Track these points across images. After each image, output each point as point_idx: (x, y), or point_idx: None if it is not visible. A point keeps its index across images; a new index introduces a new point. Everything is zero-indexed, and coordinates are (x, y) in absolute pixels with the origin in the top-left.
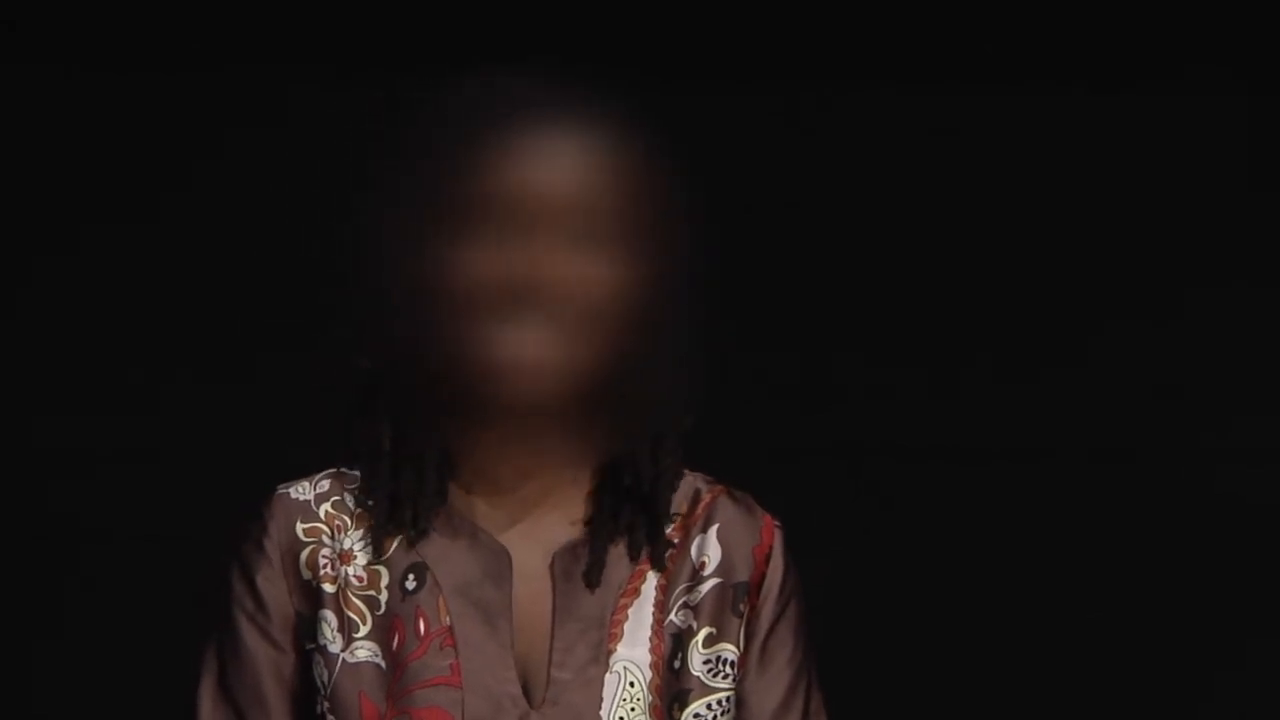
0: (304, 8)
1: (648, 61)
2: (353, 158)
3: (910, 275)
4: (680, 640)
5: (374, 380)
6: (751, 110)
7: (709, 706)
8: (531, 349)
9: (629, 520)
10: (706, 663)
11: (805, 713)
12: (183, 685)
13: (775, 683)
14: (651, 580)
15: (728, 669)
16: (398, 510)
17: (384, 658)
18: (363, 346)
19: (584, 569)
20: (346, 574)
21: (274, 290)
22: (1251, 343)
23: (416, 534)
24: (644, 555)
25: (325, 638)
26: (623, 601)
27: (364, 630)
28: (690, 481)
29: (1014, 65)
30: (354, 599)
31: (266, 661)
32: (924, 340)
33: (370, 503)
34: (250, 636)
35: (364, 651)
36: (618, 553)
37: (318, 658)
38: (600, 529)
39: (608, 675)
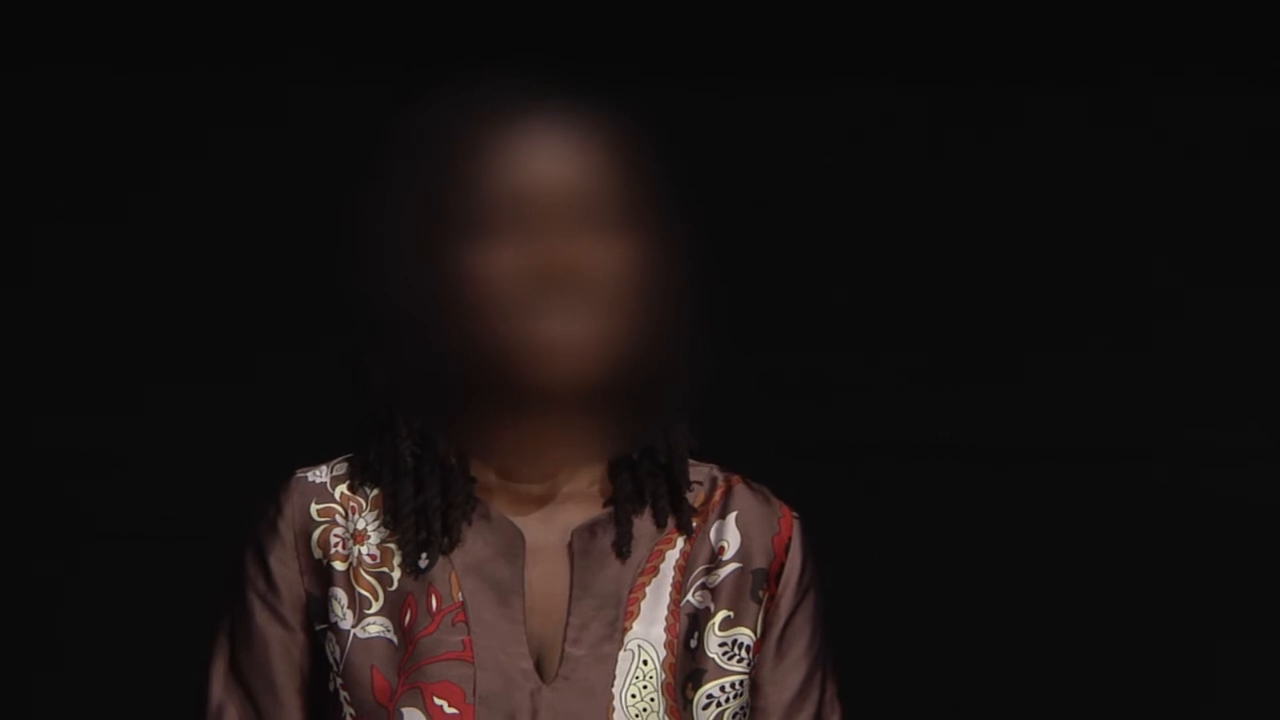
0: (304, 7)
1: (648, 61)
2: (356, 162)
3: (911, 275)
4: (697, 620)
5: (388, 398)
6: (752, 110)
7: (722, 689)
8: (566, 331)
9: (652, 490)
10: (722, 645)
11: (820, 703)
12: (184, 684)
13: (792, 672)
14: (670, 560)
15: (743, 653)
16: (425, 523)
17: (396, 633)
18: (379, 360)
19: (609, 543)
20: (359, 553)
21: (275, 290)
22: (1251, 343)
23: (449, 544)
24: (670, 525)
25: (336, 615)
26: (640, 580)
27: (375, 606)
28: (706, 470)
29: (1014, 65)
30: (365, 576)
31: (277, 643)
32: (924, 340)
33: (393, 519)
34: (261, 617)
35: (376, 627)
36: (639, 529)
37: (330, 636)
38: (624, 502)
39: (621, 653)
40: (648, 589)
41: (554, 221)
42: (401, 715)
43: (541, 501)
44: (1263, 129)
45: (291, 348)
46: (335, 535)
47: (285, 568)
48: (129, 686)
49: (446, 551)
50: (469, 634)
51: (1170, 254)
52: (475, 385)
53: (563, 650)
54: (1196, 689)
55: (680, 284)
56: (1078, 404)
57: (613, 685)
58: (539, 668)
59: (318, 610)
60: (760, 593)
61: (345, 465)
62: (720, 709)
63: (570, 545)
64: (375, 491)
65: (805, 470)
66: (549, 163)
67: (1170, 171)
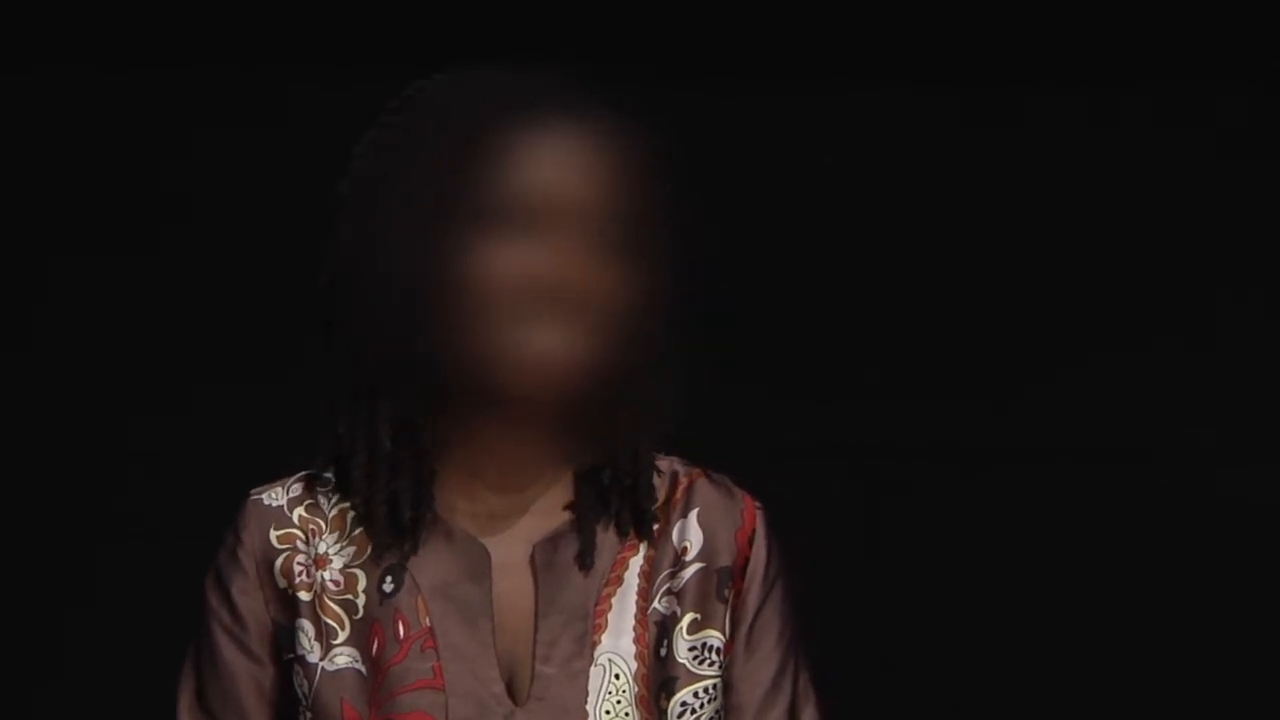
0: (304, 7)
1: (648, 61)
2: (356, 156)
3: (910, 275)
4: (665, 627)
5: (374, 382)
6: (752, 110)
7: (695, 695)
8: (548, 344)
9: (615, 503)
10: (692, 650)
11: (794, 694)
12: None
13: (763, 666)
14: (634, 568)
15: (713, 656)
16: (396, 515)
17: (364, 663)
18: (366, 346)
19: (572, 556)
20: (322, 579)
21: (275, 290)
22: (1252, 343)
23: (411, 547)
24: (630, 535)
25: (303, 647)
26: (605, 591)
27: (342, 636)
28: (666, 466)
29: (1014, 65)
30: (331, 605)
31: (245, 675)
32: (924, 340)
33: (359, 506)
34: (228, 650)
35: (343, 658)
36: (600, 541)
37: (297, 668)
38: (586, 514)
39: (593, 668)
40: (613, 600)
41: (564, 232)
42: None
43: (503, 515)
44: (1264, 129)
45: (290, 347)
46: (298, 563)
47: (249, 599)
48: (129, 687)
49: (408, 557)
50: (438, 660)
51: (1170, 254)
52: (448, 379)
53: (533, 669)
54: (1197, 689)
55: (668, 310)
56: (1078, 404)
57: (586, 702)
58: (510, 688)
59: (285, 640)
60: (726, 592)
61: (301, 484)
62: (695, 715)
63: (532, 559)
64: (334, 511)
65: (805, 470)
66: (575, 173)
67: (1170, 172)
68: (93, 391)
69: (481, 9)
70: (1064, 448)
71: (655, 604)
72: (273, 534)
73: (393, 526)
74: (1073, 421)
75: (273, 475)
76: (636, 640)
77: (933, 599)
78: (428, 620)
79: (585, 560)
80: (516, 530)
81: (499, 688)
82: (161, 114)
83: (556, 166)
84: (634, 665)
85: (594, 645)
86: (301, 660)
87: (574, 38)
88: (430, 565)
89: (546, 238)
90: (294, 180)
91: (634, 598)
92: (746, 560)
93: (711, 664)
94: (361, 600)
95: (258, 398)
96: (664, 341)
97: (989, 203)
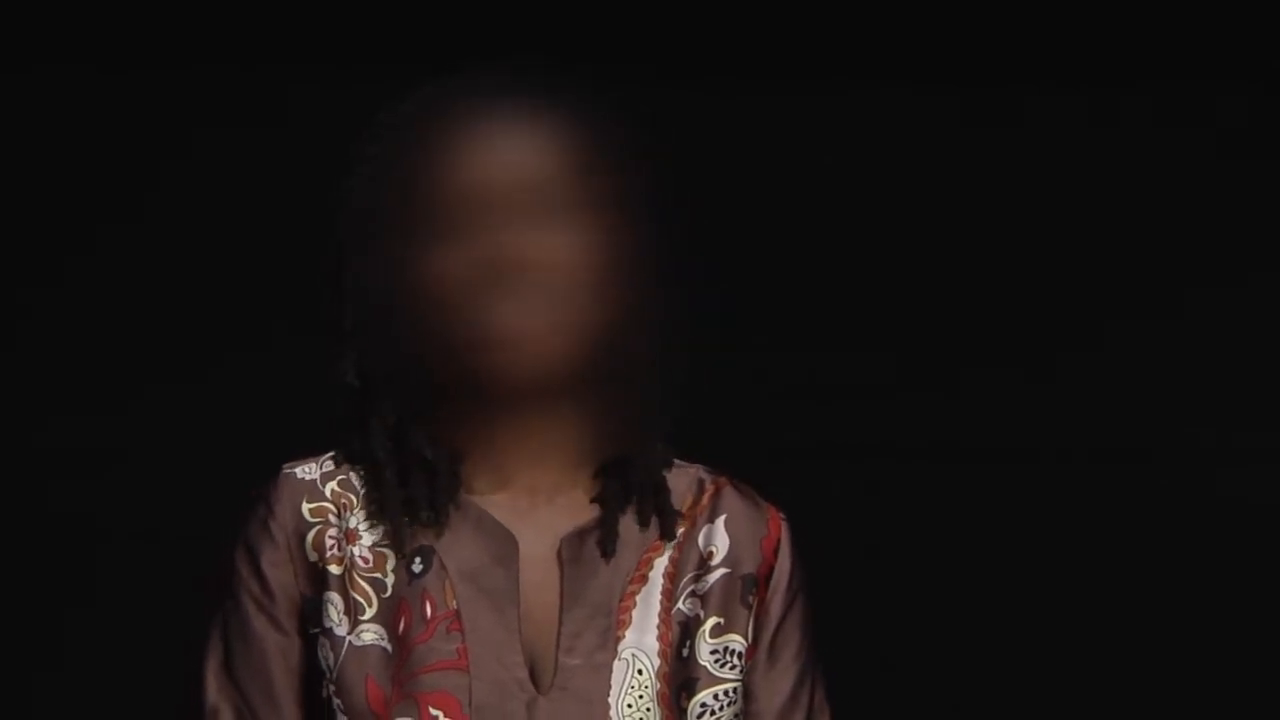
0: (304, 7)
1: (648, 62)
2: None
3: (910, 275)
4: (688, 629)
5: (367, 389)
6: (752, 110)
7: (715, 697)
8: (520, 324)
9: (638, 491)
10: (714, 653)
11: (811, 706)
12: (181, 683)
13: (783, 677)
14: (659, 568)
15: (735, 660)
16: (413, 512)
17: (390, 641)
18: (358, 354)
19: (595, 542)
20: (353, 554)
21: (275, 289)
22: (1252, 343)
23: (437, 523)
24: (653, 530)
25: (331, 620)
26: (630, 588)
27: (369, 613)
28: (693, 473)
29: (1014, 65)
30: (360, 581)
31: (273, 646)
32: (924, 340)
33: (379, 511)
34: (257, 621)
35: (370, 635)
36: (626, 538)
37: (323, 641)
38: (609, 503)
39: (616, 662)
40: (638, 597)
41: (498, 215)
42: None
43: (530, 508)
44: (1264, 129)
45: (290, 347)
46: (330, 537)
47: (279, 570)
48: (129, 686)
49: (431, 525)
50: (464, 642)
51: (1170, 254)
52: (445, 383)
53: (557, 660)
54: (1196, 689)
55: (648, 274)
56: (1078, 404)
57: (609, 695)
58: (533, 676)
59: (312, 613)
60: (750, 598)
61: (333, 461)
62: (715, 717)
63: (559, 553)
64: (365, 488)
65: (805, 470)
66: (493, 157)
67: (1170, 172)
68: (92, 390)
69: (481, 9)
70: (1064, 448)
71: (679, 605)
72: (305, 507)
73: (412, 523)
74: (1072, 421)
75: (274, 473)
76: (660, 638)
77: (933, 599)
78: (454, 603)
79: (608, 549)
80: (544, 523)
81: (523, 673)
82: (161, 114)
83: (471, 153)
84: (657, 662)
85: (618, 640)
86: (328, 633)
87: (574, 38)
88: (459, 550)
89: (483, 224)
90: (294, 180)
91: (658, 596)
92: (771, 569)
93: (733, 668)
94: (390, 580)
95: (258, 398)
96: (648, 314)
97: (989, 203)
